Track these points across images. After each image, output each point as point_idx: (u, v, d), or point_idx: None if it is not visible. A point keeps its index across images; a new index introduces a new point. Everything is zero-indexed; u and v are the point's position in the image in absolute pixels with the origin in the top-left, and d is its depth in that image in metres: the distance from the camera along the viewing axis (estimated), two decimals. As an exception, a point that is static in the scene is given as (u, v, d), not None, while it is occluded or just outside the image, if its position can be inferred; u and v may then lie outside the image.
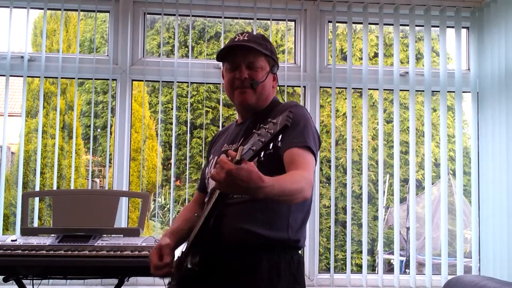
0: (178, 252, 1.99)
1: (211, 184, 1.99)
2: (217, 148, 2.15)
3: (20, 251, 2.69)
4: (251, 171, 1.51)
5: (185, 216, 2.16)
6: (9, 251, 2.69)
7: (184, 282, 1.94)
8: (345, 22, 4.14)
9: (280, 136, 1.51)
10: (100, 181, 7.39)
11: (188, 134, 4.38)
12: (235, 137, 2.07)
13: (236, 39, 2.07)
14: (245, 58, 2.01)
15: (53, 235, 2.96)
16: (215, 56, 2.15)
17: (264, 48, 2.04)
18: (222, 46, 3.98)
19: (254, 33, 2.10)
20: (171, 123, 4.51)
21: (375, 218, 4.66)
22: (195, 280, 1.87)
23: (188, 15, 4.09)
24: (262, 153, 1.49)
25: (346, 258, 3.94)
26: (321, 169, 4.33)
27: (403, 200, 6.43)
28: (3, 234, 3.82)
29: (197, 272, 1.80)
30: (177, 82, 4.02)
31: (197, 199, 2.27)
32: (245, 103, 2.04)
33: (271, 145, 1.48)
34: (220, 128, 2.25)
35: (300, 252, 2.01)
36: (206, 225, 1.77)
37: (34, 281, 2.88)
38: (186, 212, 2.22)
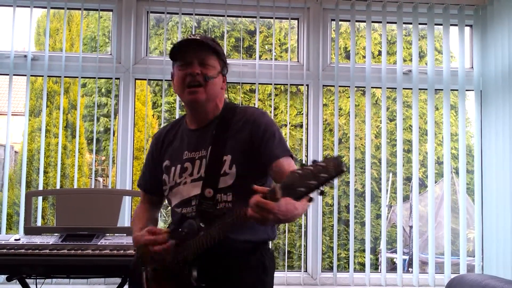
0: None
1: (179, 195, 2.04)
2: (175, 153, 2.12)
3: (23, 250, 2.69)
4: (288, 204, 1.66)
5: (147, 218, 2.21)
6: (13, 250, 2.69)
7: None
8: (348, 21, 4.14)
9: (262, 145, 1.90)
10: (104, 180, 7.39)
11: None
12: (197, 144, 2.06)
13: (186, 38, 2.10)
14: (197, 55, 2.04)
15: (56, 234, 2.97)
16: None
17: (215, 48, 2.07)
18: (225, 45, 3.99)
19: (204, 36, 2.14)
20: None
21: (378, 216, 4.65)
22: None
23: (192, 14, 4.09)
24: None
25: (349, 257, 3.94)
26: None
27: (406, 198, 6.42)
28: (6, 233, 3.83)
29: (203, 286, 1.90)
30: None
31: (148, 200, 2.28)
32: (195, 102, 2.04)
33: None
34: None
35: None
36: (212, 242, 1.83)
37: (37, 280, 2.89)
38: (142, 214, 2.23)
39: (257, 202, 1.62)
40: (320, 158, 3.95)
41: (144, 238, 1.96)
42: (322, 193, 1.50)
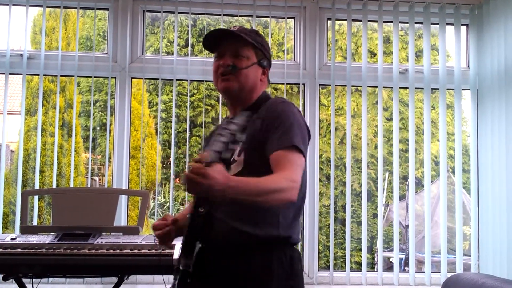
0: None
1: None
2: (209, 143, 2.14)
3: (19, 250, 2.69)
4: (218, 171, 1.62)
5: (185, 212, 2.16)
6: (9, 250, 2.69)
7: (179, 284, 1.93)
8: (345, 20, 4.14)
9: (271, 134, 1.81)
10: (100, 179, 7.38)
11: (188, 132, 4.37)
12: None
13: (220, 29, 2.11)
14: (230, 46, 2.04)
15: (52, 233, 2.96)
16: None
17: (251, 39, 2.05)
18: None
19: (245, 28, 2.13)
20: (171, 121, 4.51)
21: (375, 215, 4.66)
22: (188, 281, 1.84)
23: (188, 13, 4.08)
24: (230, 154, 1.65)
25: (345, 256, 3.95)
26: (321, 168, 4.32)
27: (402, 197, 6.43)
28: (2, 233, 3.83)
29: (190, 273, 1.80)
30: (177, 80, 4.02)
31: None
32: (227, 90, 2.04)
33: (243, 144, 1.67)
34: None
35: (295, 247, 1.99)
36: (192, 226, 1.79)
37: (33, 279, 2.89)
38: (188, 207, 2.23)
39: (191, 166, 1.64)
40: (317, 159, 3.96)
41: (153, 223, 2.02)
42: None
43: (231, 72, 2.01)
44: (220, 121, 4.25)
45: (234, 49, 2.03)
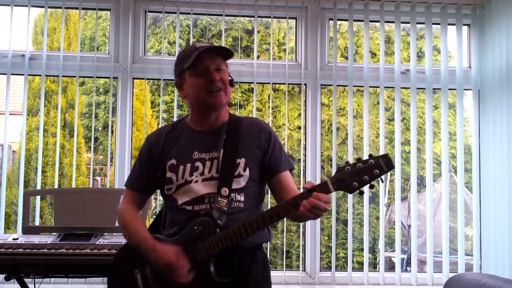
0: None
1: (193, 192, 2.09)
2: (182, 152, 2.15)
3: (21, 250, 2.69)
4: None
5: (141, 223, 2.20)
6: (11, 250, 2.69)
7: None
8: (346, 20, 4.14)
9: (269, 153, 2.11)
10: (101, 179, 7.37)
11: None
12: (207, 146, 2.14)
13: (199, 45, 2.12)
14: (214, 61, 2.11)
15: (54, 233, 2.97)
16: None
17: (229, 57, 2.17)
18: (223, 44, 3.99)
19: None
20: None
21: (377, 216, 4.65)
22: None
23: (189, 13, 4.08)
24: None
25: (347, 256, 3.94)
26: (322, 167, 4.32)
27: (404, 198, 6.42)
28: (4, 233, 3.83)
29: (225, 282, 2.02)
30: (178, 80, 4.02)
31: (136, 199, 2.27)
32: (219, 104, 2.13)
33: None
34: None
35: None
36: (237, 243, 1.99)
37: (35, 279, 2.89)
38: (134, 217, 2.22)
39: (322, 197, 1.84)
40: (318, 160, 3.96)
41: (180, 265, 2.01)
42: (372, 187, 1.84)
43: (223, 85, 2.11)
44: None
45: (218, 63, 2.12)
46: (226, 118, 2.20)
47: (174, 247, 2.02)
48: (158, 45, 5.85)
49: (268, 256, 2.28)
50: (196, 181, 2.08)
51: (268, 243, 2.28)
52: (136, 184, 2.27)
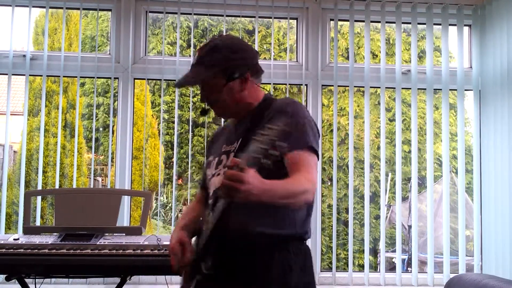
0: None
1: (212, 185, 2.03)
2: (217, 148, 2.15)
3: (22, 250, 2.69)
4: (253, 176, 1.61)
5: (191, 215, 2.17)
6: (12, 250, 2.69)
7: (199, 287, 1.95)
8: (347, 20, 4.14)
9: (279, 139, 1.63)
10: (102, 179, 7.39)
11: (190, 133, 4.38)
12: (232, 138, 2.07)
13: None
14: (196, 83, 2.09)
15: (55, 234, 2.96)
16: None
17: (210, 66, 1.99)
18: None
19: (208, 44, 2.05)
20: (173, 122, 4.51)
21: (378, 216, 4.65)
22: (211, 283, 1.89)
23: (190, 14, 4.08)
24: (270, 160, 1.59)
25: (348, 257, 3.94)
26: (324, 169, 4.32)
27: (405, 198, 6.41)
28: (5, 233, 3.83)
29: (213, 276, 1.84)
30: (179, 80, 4.02)
31: (200, 196, 2.27)
32: (219, 116, 2.16)
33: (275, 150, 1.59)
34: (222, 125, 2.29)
35: (306, 243, 2.02)
36: (215, 230, 1.81)
37: (36, 280, 2.89)
38: (191, 210, 2.22)
39: (226, 173, 1.62)
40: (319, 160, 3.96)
41: (175, 252, 1.96)
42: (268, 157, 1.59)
43: (212, 105, 2.06)
44: (222, 121, 4.25)
45: (200, 83, 2.05)
46: (256, 104, 2.06)
47: (181, 233, 1.99)
48: (160, 46, 5.86)
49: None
50: (218, 174, 2.02)
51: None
52: (200, 181, 2.30)
